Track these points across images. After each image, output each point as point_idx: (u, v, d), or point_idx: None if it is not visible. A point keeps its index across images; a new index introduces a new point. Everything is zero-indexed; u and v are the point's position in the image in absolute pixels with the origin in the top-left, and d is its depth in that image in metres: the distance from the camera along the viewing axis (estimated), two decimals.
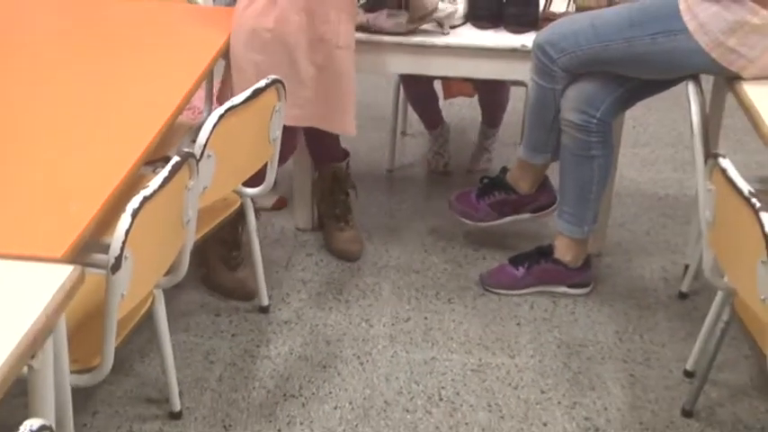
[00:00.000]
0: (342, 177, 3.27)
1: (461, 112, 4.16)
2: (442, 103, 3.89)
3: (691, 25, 2.60)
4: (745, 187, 1.99)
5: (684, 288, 3.12)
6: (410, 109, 3.98)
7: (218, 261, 3.03)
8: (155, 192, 1.89)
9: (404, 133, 4.17)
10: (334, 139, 3.22)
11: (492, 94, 3.73)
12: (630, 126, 4.27)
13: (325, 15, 2.79)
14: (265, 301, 2.99)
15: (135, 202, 1.84)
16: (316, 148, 3.24)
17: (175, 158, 2.01)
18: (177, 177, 2.00)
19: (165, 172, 1.96)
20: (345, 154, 3.27)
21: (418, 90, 3.77)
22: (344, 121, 2.95)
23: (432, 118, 3.84)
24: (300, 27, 2.79)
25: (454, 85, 3.91)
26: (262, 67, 2.80)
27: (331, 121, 2.95)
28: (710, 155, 2.20)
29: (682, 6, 2.62)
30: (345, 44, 2.85)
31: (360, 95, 3.11)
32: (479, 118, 3.88)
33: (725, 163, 2.09)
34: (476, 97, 3.88)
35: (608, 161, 2.92)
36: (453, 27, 3.03)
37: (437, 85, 3.84)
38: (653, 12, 2.67)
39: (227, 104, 2.34)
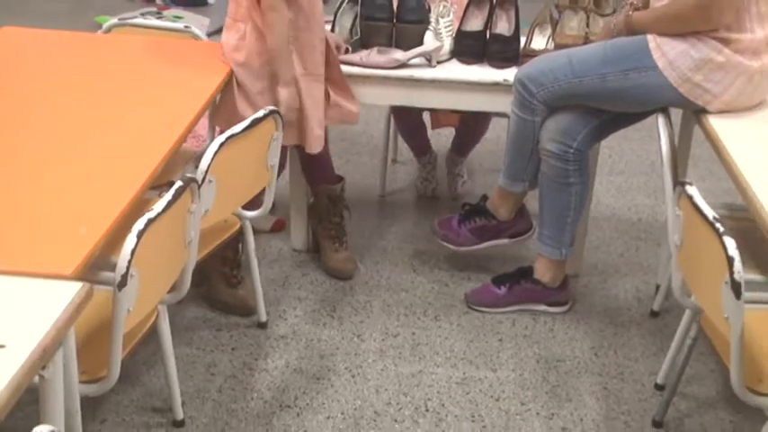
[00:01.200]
0: (336, 200, 3.28)
1: (448, 141, 4.17)
2: (430, 132, 3.91)
3: (660, 62, 2.63)
4: (710, 213, 2.00)
5: (656, 307, 3.13)
6: (400, 138, 4.00)
7: (219, 279, 3.04)
8: (159, 214, 1.91)
9: (394, 161, 4.18)
10: (326, 162, 3.24)
11: (474, 125, 3.75)
12: (607, 155, 4.30)
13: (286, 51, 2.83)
14: (264, 318, 3.00)
15: (140, 224, 1.85)
16: (309, 171, 3.26)
17: (179, 183, 2.02)
18: (180, 201, 2.02)
19: (168, 196, 1.97)
20: (339, 178, 3.29)
21: (408, 120, 3.79)
22: (309, 141, 2.97)
23: (420, 146, 3.86)
24: (269, 60, 2.82)
25: (441, 117, 3.93)
26: (246, 92, 2.85)
27: (302, 139, 2.98)
28: (678, 182, 2.22)
29: (651, 45, 2.65)
30: (309, 71, 2.88)
31: (354, 125, 3.14)
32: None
33: (691, 190, 2.11)
34: None
35: (584, 188, 2.94)
36: (440, 62, 3.07)
37: (426, 116, 3.86)
38: (625, 49, 2.70)
39: (228, 133, 2.35)
